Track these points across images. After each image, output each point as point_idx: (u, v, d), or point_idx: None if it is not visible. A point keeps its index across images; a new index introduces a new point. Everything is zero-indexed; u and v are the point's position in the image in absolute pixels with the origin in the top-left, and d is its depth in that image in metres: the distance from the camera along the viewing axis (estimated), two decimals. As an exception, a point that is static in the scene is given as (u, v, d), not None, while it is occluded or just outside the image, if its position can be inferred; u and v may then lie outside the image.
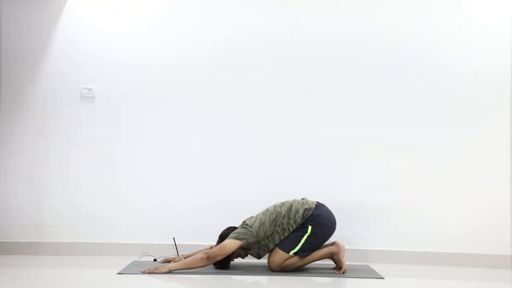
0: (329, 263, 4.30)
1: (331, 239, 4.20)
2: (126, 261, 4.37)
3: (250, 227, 4.05)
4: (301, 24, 4.77)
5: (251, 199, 4.61)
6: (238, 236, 4.01)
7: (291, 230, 4.07)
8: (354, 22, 4.77)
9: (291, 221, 4.06)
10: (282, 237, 4.07)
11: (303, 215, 4.06)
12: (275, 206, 4.15)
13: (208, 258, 3.93)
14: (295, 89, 4.75)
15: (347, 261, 4.34)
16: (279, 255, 4.05)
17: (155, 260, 4.42)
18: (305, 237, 4.04)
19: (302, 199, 4.24)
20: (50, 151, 4.74)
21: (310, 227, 4.05)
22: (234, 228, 4.19)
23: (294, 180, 4.69)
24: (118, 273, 3.91)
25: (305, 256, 4.06)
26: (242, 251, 4.15)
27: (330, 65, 4.75)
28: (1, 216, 4.70)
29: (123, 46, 4.79)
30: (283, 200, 4.22)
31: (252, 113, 4.76)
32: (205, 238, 4.41)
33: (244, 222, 4.16)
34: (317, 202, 4.20)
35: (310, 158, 4.71)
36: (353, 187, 4.68)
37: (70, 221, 4.71)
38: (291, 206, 4.12)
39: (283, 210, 4.10)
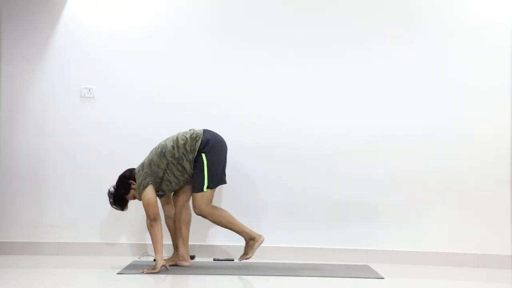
0: (332, 263, 4.29)
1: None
2: (126, 261, 4.37)
3: (143, 169, 4.12)
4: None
5: (251, 199, 4.64)
6: (142, 183, 4.06)
7: (186, 159, 4.09)
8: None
9: (182, 150, 4.09)
10: (180, 167, 4.10)
11: (192, 143, 4.09)
12: (159, 143, 4.20)
13: (153, 220, 4.03)
14: (294, 88, 4.75)
15: (347, 261, 4.40)
16: (198, 198, 4.09)
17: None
18: (205, 169, 4.08)
19: (189, 130, 4.25)
20: (50, 151, 4.74)
21: (203, 156, 4.08)
22: (132, 169, 4.23)
23: (293, 180, 4.68)
24: (118, 273, 3.92)
25: (216, 186, 4.12)
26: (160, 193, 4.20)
27: (327, 68, 4.76)
28: (1, 216, 4.70)
29: (123, 46, 4.79)
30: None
31: (252, 114, 4.76)
32: (205, 238, 4.41)
33: (136, 169, 4.20)
34: (204, 129, 4.22)
35: (310, 158, 4.71)
36: (353, 187, 4.67)
37: (70, 221, 4.71)
38: (177, 137, 4.16)
39: (168, 143, 4.14)
